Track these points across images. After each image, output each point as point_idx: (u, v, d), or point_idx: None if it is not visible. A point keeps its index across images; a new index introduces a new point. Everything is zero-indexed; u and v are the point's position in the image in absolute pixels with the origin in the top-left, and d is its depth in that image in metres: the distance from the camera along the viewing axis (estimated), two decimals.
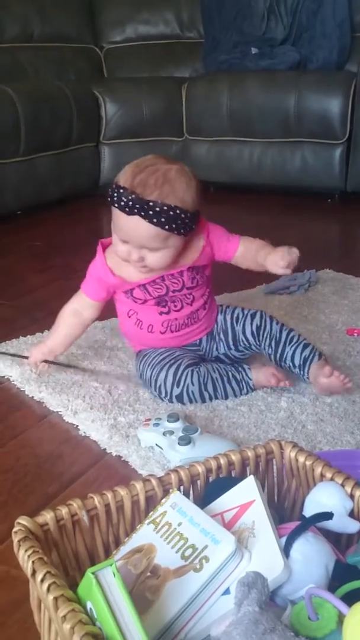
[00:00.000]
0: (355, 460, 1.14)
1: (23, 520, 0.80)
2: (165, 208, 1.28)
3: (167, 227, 1.29)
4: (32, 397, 1.46)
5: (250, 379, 1.44)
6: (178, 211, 1.29)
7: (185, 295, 1.43)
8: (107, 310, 1.53)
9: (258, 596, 0.68)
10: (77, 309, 1.47)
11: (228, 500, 0.87)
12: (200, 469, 0.91)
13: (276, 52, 3.47)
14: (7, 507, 1.12)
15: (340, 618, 0.69)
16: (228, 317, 1.50)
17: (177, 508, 0.84)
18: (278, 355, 1.46)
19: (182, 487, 0.90)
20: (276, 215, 3.09)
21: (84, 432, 1.33)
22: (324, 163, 3.16)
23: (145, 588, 0.77)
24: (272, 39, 3.54)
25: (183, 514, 0.83)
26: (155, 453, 1.24)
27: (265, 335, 1.47)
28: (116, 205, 1.30)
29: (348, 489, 0.85)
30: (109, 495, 0.86)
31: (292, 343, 1.46)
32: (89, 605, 0.70)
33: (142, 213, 1.28)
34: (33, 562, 0.74)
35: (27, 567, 0.74)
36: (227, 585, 0.76)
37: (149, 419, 1.31)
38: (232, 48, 3.57)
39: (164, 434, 1.25)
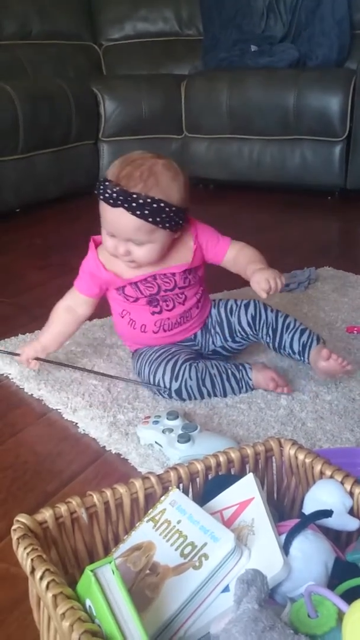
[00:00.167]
0: (354, 458, 1.14)
1: (22, 518, 0.80)
2: (149, 200, 1.28)
3: (150, 219, 1.29)
4: (32, 394, 1.46)
5: (250, 379, 1.43)
6: (162, 204, 1.29)
7: (177, 295, 1.43)
8: (107, 308, 1.53)
9: (257, 594, 0.68)
10: (71, 306, 1.48)
11: (227, 498, 0.87)
12: (199, 466, 0.91)
13: (275, 49, 3.47)
14: (7, 505, 1.12)
15: (340, 615, 0.68)
16: (222, 310, 1.50)
17: (176, 506, 0.84)
18: (276, 343, 1.47)
19: (181, 485, 0.90)
20: (276, 213, 3.09)
21: (83, 430, 1.33)
22: (324, 160, 3.16)
23: (144, 585, 0.77)
24: (272, 36, 3.54)
25: (182, 512, 0.83)
26: (154, 451, 1.24)
27: (261, 325, 1.47)
28: (101, 197, 1.31)
29: (347, 486, 0.85)
30: (108, 492, 0.85)
31: (290, 330, 1.46)
32: (88, 602, 0.70)
33: (126, 205, 1.28)
34: (32, 559, 0.73)
35: (26, 564, 0.74)
36: (227, 582, 0.76)
37: (149, 417, 1.30)
38: (232, 46, 3.57)
39: (163, 431, 1.25)
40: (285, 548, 0.78)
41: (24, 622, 0.88)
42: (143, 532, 0.84)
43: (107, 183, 1.31)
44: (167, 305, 1.44)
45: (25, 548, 0.75)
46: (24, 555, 0.75)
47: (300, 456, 0.91)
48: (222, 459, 0.92)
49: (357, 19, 3.45)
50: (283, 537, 0.79)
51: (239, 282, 2.01)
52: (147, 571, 0.79)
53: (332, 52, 3.40)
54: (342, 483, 0.86)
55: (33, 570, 0.73)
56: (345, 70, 3.30)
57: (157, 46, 3.83)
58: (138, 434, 1.28)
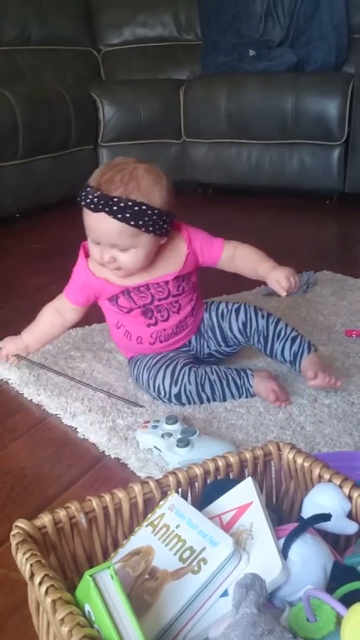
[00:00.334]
0: (353, 462, 1.14)
1: (21, 523, 0.80)
2: (130, 203, 1.27)
3: (132, 222, 1.28)
4: (31, 399, 1.46)
5: (251, 386, 1.42)
6: (144, 207, 1.28)
7: (171, 304, 1.43)
8: None
9: (256, 598, 0.68)
10: (59, 310, 1.48)
11: (226, 502, 0.87)
12: (198, 471, 0.91)
13: (274, 54, 3.48)
14: (6, 510, 1.12)
15: (339, 619, 0.69)
16: (213, 314, 1.50)
17: (175, 510, 0.84)
18: (268, 350, 1.47)
19: (180, 489, 0.90)
20: (274, 216, 3.09)
21: (83, 435, 1.33)
22: (322, 164, 3.16)
23: (143, 590, 0.77)
24: (270, 40, 3.54)
25: (181, 516, 0.83)
26: (153, 455, 1.24)
27: (252, 332, 1.47)
28: (83, 203, 1.31)
29: (346, 490, 0.85)
30: (107, 497, 0.86)
31: (281, 338, 1.46)
32: (87, 607, 0.70)
33: (107, 209, 1.28)
34: (31, 564, 0.74)
35: (25, 570, 0.74)
36: (225, 587, 0.76)
37: (148, 421, 1.31)
38: (230, 50, 3.58)
39: (162, 436, 1.25)
40: (284, 552, 0.78)
41: (23, 627, 0.88)
42: (142, 537, 0.84)
43: (88, 189, 1.31)
44: (162, 316, 1.43)
45: (24, 553, 0.75)
46: (23, 560, 0.75)
47: (299, 460, 0.91)
48: (220, 463, 0.92)
49: (355, 22, 3.46)
50: (282, 541, 0.79)
51: (237, 286, 2.03)
52: (146, 576, 0.79)
53: (330, 56, 3.41)
54: (340, 487, 0.86)
55: (32, 575, 0.73)
56: (343, 74, 3.31)
57: (155, 51, 3.84)
58: (137, 438, 1.28)
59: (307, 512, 0.86)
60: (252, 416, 1.37)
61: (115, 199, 1.28)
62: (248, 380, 1.43)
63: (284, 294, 1.38)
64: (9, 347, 1.50)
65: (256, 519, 0.82)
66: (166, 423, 1.28)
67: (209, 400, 1.42)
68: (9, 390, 1.51)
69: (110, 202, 1.27)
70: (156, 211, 1.30)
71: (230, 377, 1.42)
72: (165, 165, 3.41)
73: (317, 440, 1.28)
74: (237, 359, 1.56)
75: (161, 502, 0.86)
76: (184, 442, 1.21)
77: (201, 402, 1.41)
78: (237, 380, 1.42)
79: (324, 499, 0.85)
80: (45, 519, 0.82)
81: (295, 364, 1.45)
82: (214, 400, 1.42)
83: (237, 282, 2.04)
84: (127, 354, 1.54)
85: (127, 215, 1.28)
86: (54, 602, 0.69)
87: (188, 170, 3.45)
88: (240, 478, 0.92)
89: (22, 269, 2.38)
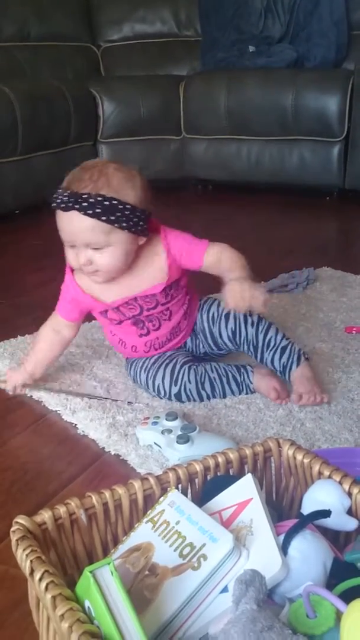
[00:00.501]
0: (353, 458, 1.14)
1: (21, 520, 0.80)
2: (100, 199, 1.25)
3: (103, 218, 1.26)
4: (31, 396, 1.46)
5: (251, 383, 1.42)
6: (115, 202, 1.26)
7: (161, 312, 1.41)
8: None
9: (256, 594, 0.68)
10: (54, 328, 1.45)
11: (226, 499, 0.87)
12: (198, 467, 0.91)
13: (274, 50, 3.47)
14: (6, 506, 1.12)
15: (338, 615, 0.69)
16: (205, 317, 1.47)
17: (175, 506, 0.84)
18: (258, 359, 1.45)
19: (180, 486, 0.90)
20: (274, 213, 3.09)
21: (83, 431, 1.33)
22: (322, 161, 3.16)
23: (143, 586, 0.77)
24: (270, 37, 3.54)
25: (181, 512, 0.83)
26: (153, 451, 1.24)
27: (242, 341, 1.44)
28: (54, 204, 1.29)
29: (346, 486, 0.85)
30: (107, 494, 0.86)
31: (270, 348, 1.42)
32: (87, 604, 0.70)
33: (77, 206, 1.26)
34: (31, 561, 0.74)
35: (25, 566, 0.74)
36: (225, 583, 0.76)
37: (148, 418, 1.31)
38: (230, 46, 3.57)
39: (162, 432, 1.25)
40: (284, 548, 0.78)
41: (23, 623, 0.88)
42: (142, 533, 0.84)
43: (59, 191, 1.29)
44: (154, 325, 1.42)
45: (24, 549, 0.75)
46: (23, 556, 0.75)
47: (299, 456, 0.91)
48: (220, 459, 0.92)
49: (354, 19, 3.46)
50: (281, 537, 0.79)
51: None
52: (146, 572, 0.79)
53: (330, 52, 3.40)
54: (340, 483, 0.86)
55: (32, 571, 0.73)
56: (343, 70, 3.30)
57: (155, 47, 3.83)
58: (137, 435, 1.28)
59: (307, 508, 0.86)
60: (252, 413, 1.37)
61: (84, 196, 1.25)
62: (248, 376, 1.42)
63: (227, 309, 1.35)
64: (14, 380, 1.45)
65: (256, 515, 0.82)
66: (166, 419, 1.28)
67: (209, 398, 1.42)
68: None
69: (80, 199, 1.25)
70: (128, 206, 1.27)
71: (230, 374, 1.42)
72: (165, 162, 3.42)
73: (317, 436, 1.28)
74: (236, 354, 1.56)
75: (161, 499, 0.86)
76: (184, 439, 1.21)
77: (201, 399, 1.41)
78: (237, 377, 1.42)
79: (323, 495, 0.85)
80: (45, 515, 0.82)
81: (285, 374, 1.43)
82: (214, 397, 1.42)
83: None
84: (124, 355, 1.53)
85: (98, 210, 1.25)
86: (54, 598, 0.69)
87: (188, 166, 3.45)
88: (240, 474, 0.92)
89: (21, 265, 2.38)
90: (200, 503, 0.87)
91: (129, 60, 3.77)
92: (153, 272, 1.38)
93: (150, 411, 1.38)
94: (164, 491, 0.88)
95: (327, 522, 0.83)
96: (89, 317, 1.65)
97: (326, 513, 0.82)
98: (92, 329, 1.74)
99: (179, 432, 1.24)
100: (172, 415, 1.29)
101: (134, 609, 0.67)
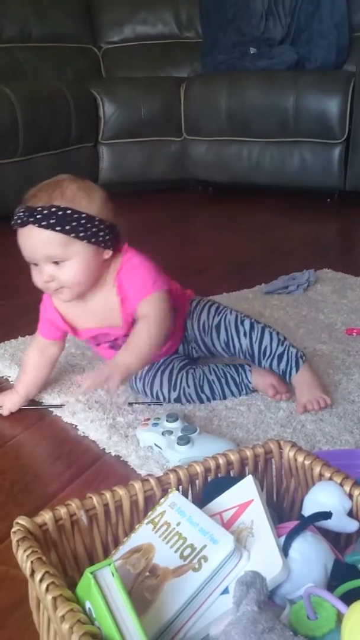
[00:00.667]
0: (354, 460, 1.14)
1: (22, 520, 0.80)
2: (54, 209, 1.24)
3: (58, 228, 1.24)
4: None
5: (250, 382, 1.42)
6: (69, 212, 1.24)
7: None
8: None
9: (257, 595, 0.68)
10: (39, 350, 1.42)
11: (227, 500, 0.87)
12: (199, 468, 0.91)
13: (274, 52, 3.48)
14: (7, 507, 1.12)
15: (339, 617, 0.69)
16: (195, 326, 1.43)
17: (175, 508, 0.84)
18: (256, 365, 1.42)
19: (180, 487, 0.90)
20: (275, 215, 3.09)
21: (83, 432, 1.33)
22: (323, 163, 3.16)
23: (144, 588, 0.77)
24: (271, 39, 3.54)
25: (182, 514, 0.83)
26: (154, 453, 1.24)
27: (237, 351, 1.41)
28: (12, 223, 1.28)
29: (347, 488, 0.85)
30: (108, 495, 0.86)
31: (267, 357, 1.40)
32: (87, 605, 0.70)
33: (32, 219, 1.25)
34: (32, 562, 0.74)
35: (26, 567, 0.74)
36: (226, 584, 0.76)
37: (148, 419, 1.31)
38: (231, 48, 3.58)
39: (162, 433, 1.25)
40: (285, 550, 0.78)
41: (23, 624, 0.88)
42: (142, 534, 0.84)
43: (17, 209, 1.28)
44: None
45: (25, 550, 0.75)
46: (23, 557, 0.75)
47: (300, 458, 0.91)
48: (221, 461, 0.92)
49: (355, 21, 3.46)
50: (282, 539, 0.79)
51: (238, 285, 2.03)
52: (147, 573, 0.79)
53: (331, 54, 3.41)
54: (341, 485, 0.86)
55: (33, 572, 0.73)
56: (344, 72, 3.30)
57: (156, 49, 3.83)
58: (137, 436, 1.28)
59: (307, 510, 0.86)
60: (253, 414, 1.37)
61: (39, 209, 1.25)
62: (246, 375, 1.42)
63: (80, 390, 1.36)
64: (8, 405, 1.42)
65: (257, 516, 0.82)
66: (167, 421, 1.28)
67: (209, 400, 1.41)
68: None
69: (34, 213, 1.24)
70: (84, 215, 1.25)
71: (228, 375, 1.42)
72: (166, 163, 3.43)
73: (318, 438, 1.28)
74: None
75: (162, 500, 0.86)
76: (184, 440, 1.21)
77: (201, 402, 1.41)
78: (235, 377, 1.42)
79: (324, 497, 0.85)
80: (45, 516, 0.82)
81: (285, 378, 1.41)
82: (214, 399, 1.42)
83: (237, 281, 2.04)
84: None
85: (52, 221, 1.24)
86: (54, 599, 0.69)
87: (188, 168, 3.45)
88: (241, 476, 0.92)
89: (21, 266, 2.37)
90: (201, 504, 0.87)
91: (130, 62, 3.77)
92: (106, 314, 1.35)
93: (151, 412, 1.38)
94: (164, 492, 0.88)
95: (328, 523, 0.83)
96: None
97: (327, 515, 0.82)
98: None
99: (180, 434, 1.24)
100: (172, 417, 1.28)
101: (134, 610, 0.67)
